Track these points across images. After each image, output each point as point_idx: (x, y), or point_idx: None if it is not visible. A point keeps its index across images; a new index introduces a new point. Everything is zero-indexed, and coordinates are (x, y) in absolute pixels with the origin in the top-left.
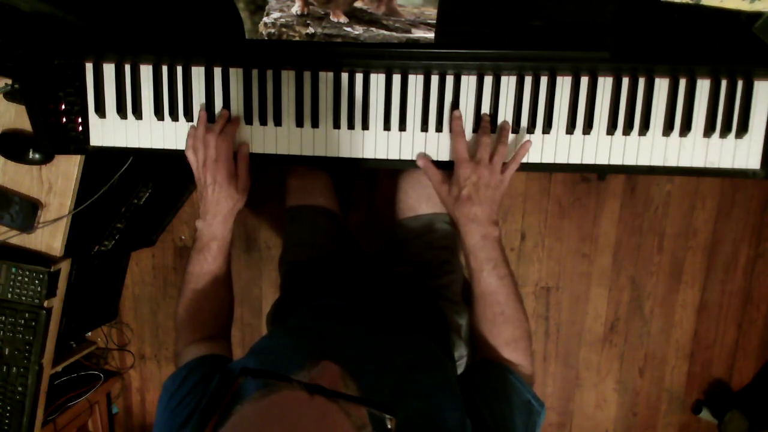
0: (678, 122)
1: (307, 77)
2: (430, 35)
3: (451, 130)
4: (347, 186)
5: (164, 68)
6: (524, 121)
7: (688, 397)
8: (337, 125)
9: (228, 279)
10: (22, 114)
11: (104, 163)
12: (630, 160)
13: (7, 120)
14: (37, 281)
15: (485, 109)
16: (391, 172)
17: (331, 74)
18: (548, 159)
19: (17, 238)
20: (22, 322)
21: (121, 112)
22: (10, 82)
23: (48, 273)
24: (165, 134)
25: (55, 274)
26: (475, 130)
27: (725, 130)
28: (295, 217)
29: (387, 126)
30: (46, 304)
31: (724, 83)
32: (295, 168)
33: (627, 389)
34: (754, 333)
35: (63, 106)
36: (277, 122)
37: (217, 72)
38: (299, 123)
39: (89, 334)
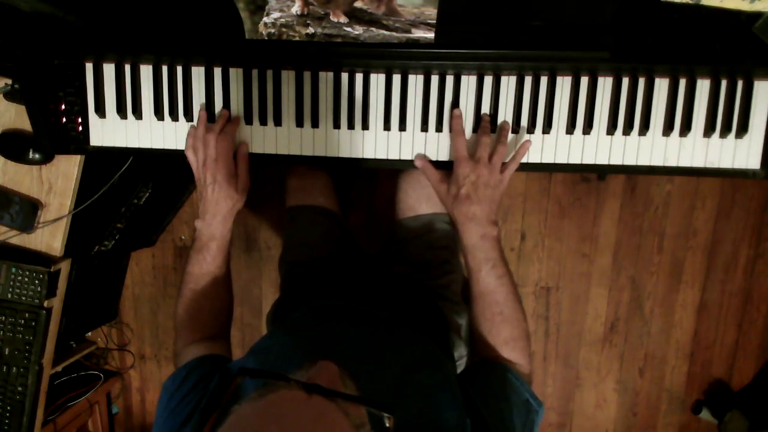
0: (678, 122)
1: (307, 77)
2: (430, 35)
3: (451, 129)
4: (347, 186)
5: (164, 68)
6: (524, 121)
7: (688, 397)
8: (337, 125)
9: (227, 279)
10: (22, 114)
11: (104, 163)
12: (630, 160)
13: (7, 120)
14: (37, 281)
15: (485, 109)
16: (391, 172)
17: (331, 74)
18: (548, 159)
19: (17, 238)
20: (22, 322)
21: (121, 112)
22: (10, 82)
23: (48, 273)
24: (165, 134)
25: (55, 274)
26: (475, 130)
27: (725, 130)
28: (295, 217)
29: (387, 126)
30: (46, 304)
31: (724, 83)
32: (295, 168)
33: (627, 389)
34: (754, 333)
35: (63, 106)
36: (277, 122)
37: (217, 72)
38: (299, 123)
39: (89, 334)
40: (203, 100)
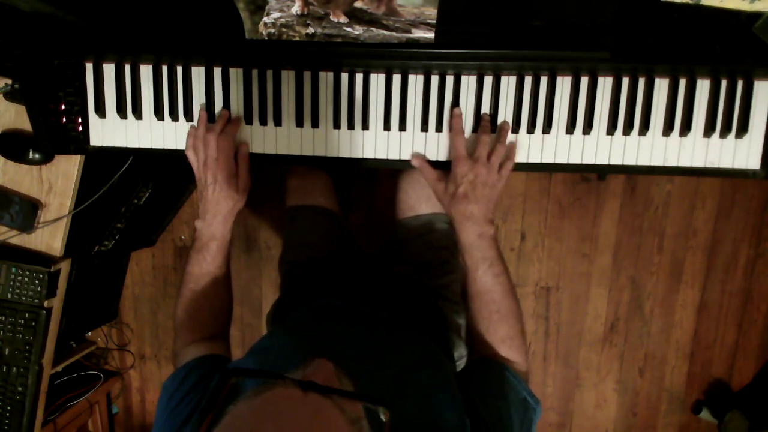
0: (678, 122)
1: (307, 77)
2: (430, 35)
3: (450, 128)
4: (347, 186)
5: (164, 68)
6: (524, 121)
7: (688, 397)
8: (337, 125)
9: (227, 279)
10: (22, 114)
11: (104, 163)
12: (630, 160)
13: (7, 120)
14: (37, 281)
15: (485, 109)
16: (391, 172)
17: (331, 74)
18: (548, 159)
19: (17, 238)
20: (22, 322)
21: (121, 112)
22: (10, 82)
23: (48, 273)
24: (165, 134)
25: (55, 274)
26: (476, 129)
27: (725, 130)
28: (295, 217)
29: (387, 126)
30: (46, 304)
31: (724, 83)
32: (295, 168)
33: (627, 389)
34: (754, 333)
35: (63, 106)
36: (277, 122)
37: (217, 72)
38: (299, 123)
39: (89, 334)
40: (203, 100)
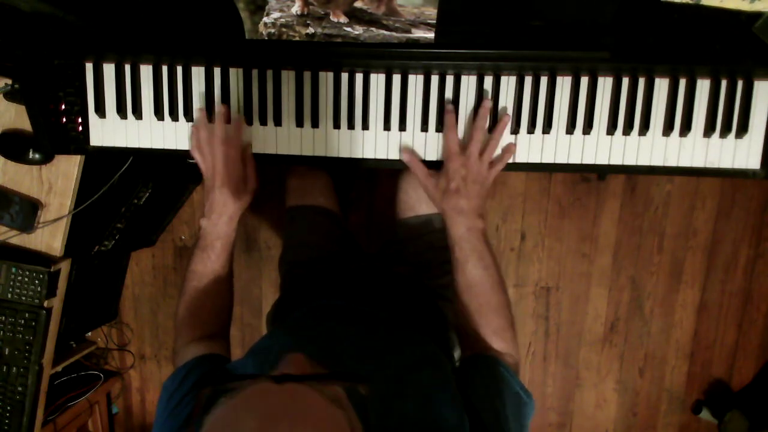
0: (678, 122)
1: (307, 77)
2: (430, 35)
3: (443, 123)
4: (347, 186)
5: (164, 68)
6: (524, 121)
7: (688, 397)
8: (337, 125)
9: (230, 278)
10: (22, 114)
11: (104, 163)
12: (630, 160)
13: (7, 120)
14: (37, 281)
15: None
16: (391, 172)
17: (331, 74)
18: (548, 159)
19: (17, 238)
20: (22, 322)
21: (121, 112)
22: (10, 82)
23: (48, 273)
24: (165, 134)
25: (55, 274)
26: None
27: (725, 130)
28: (295, 217)
29: (387, 126)
30: (46, 304)
31: (724, 83)
32: (295, 168)
33: (627, 389)
34: (754, 333)
35: (63, 106)
36: (277, 122)
37: (217, 72)
38: (299, 123)
39: (89, 334)
40: (204, 100)
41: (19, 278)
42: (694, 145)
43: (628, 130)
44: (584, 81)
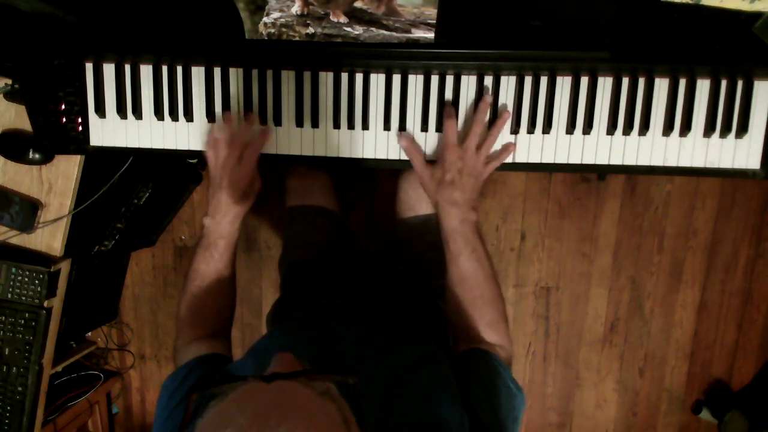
0: (678, 122)
1: (307, 77)
2: (430, 35)
3: (444, 115)
4: (347, 186)
5: (164, 68)
6: (524, 121)
7: (688, 397)
8: (337, 125)
9: (232, 277)
10: (22, 114)
11: (104, 163)
12: (630, 160)
13: (7, 120)
14: (37, 281)
15: None
16: (391, 172)
17: (331, 74)
18: (548, 159)
19: (17, 238)
20: (22, 322)
21: (121, 112)
22: (10, 82)
23: (48, 273)
24: (165, 134)
25: (55, 274)
26: None
27: (725, 130)
28: (295, 217)
29: (387, 126)
30: (46, 304)
31: (724, 83)
32: (295, 168)
33: (627, 389)
34: (754, 333)
35: (63, 106)
36: (277, 122)
37: (217, 72)
38: (299, 123)
39: (89, 334)
40: (204, 100)
41: (19, 278)
42: (694, 145)
43: (628, 130)
44: (584, 81)
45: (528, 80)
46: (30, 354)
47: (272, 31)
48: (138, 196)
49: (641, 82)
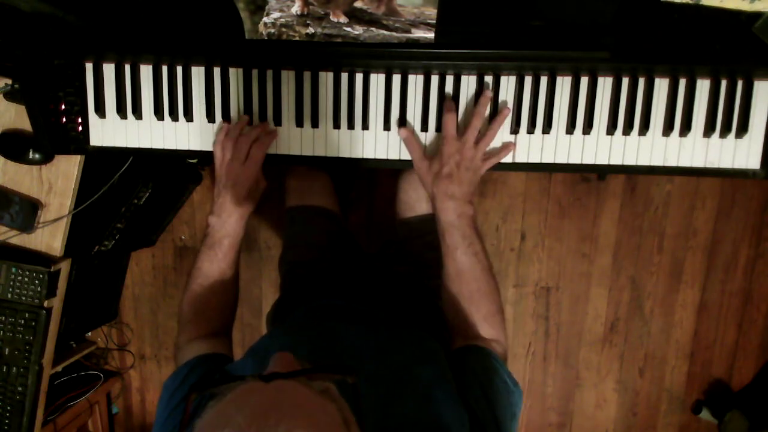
0: (678, 122)
1: (307, 77)
2: (430, 35)
3: (443, 109)
4: (347, 186)
5: (164, 68)
6: (524, 121)
7: (688, 397)
8: (337, 125)
9: (236, 277)
10: (22, 114)
11: (104, 163)
12: (630, 160)
13: (7, 120)
14: (37, 281)
15: None
16: (391, 172)
17: (331, 74)
18: (548, 159)
19: (17, 238)
20: (22, 322)
21: (121, 112)
22: (10, 82)
23: (48, 273)
24: (165, 134)
25: (55, 274)
26: None
27: (725, 130)
28: (295, 217)
29: (387, 126)
30: (46, 304)
31: (724, 83)
32: (295, 168)
33: (627, 389)
34: (754, 333)
35: (63, 106)
36: (277, 122)
37: (217, 72)
38: (299, 123)
39: (89, 334)
40: (203, 100)
41: (19, 278)
42: (694, 145)
43: (628, 130)
44: (584, 81)
45: (528, 80)
46: (30, 354)
47: (272, 31)
48: (138, 196)
49: (641, 82)
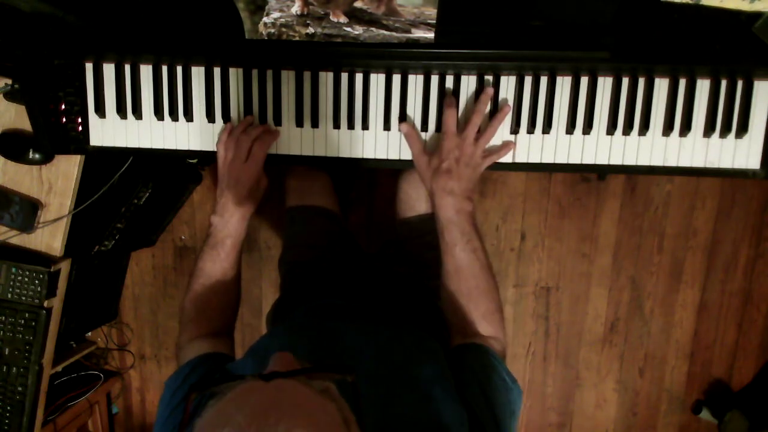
0: (678, 122)
1: (307, 77)
2: (430, 35)
3: (444, 105)
4: (347, 186)
5: (164, 68)
6: (524, 121)
7: (688, 397)
8: (337, 125)
9: (238, 277)
10: (22, 114)
11: (104, 163)
12: (630, 160)
13: (7, 120)
14: (37, 281)
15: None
16: (391, 172)
17: (331, 74)
18: (548, 159)
19: (17, 238)
20: (22, 322)
21: (121, 112)
22: (10, 82)
23: (48, 273)
24: (165, 134)
25: (55, 274)
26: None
27: (725, 130)
28: (295, 217)
29: (387, 126)
30: (46, 304)
31: (724, 83)
32: (295, 168)
33: (627, 389)
34: (754, 333)
35: (63, 106)
36: (277, 122)
37: (217, 72)
38: (299, 123)
39: (89, 334)
40: (203, 100)
41: (19, 278)
42: (693, 145)
43: (627, 130)
44: (584, 81)
45: (528, 80)
46: (30, 354)
47: (272, 31)
48: (138, 196)
49: (641, 82)
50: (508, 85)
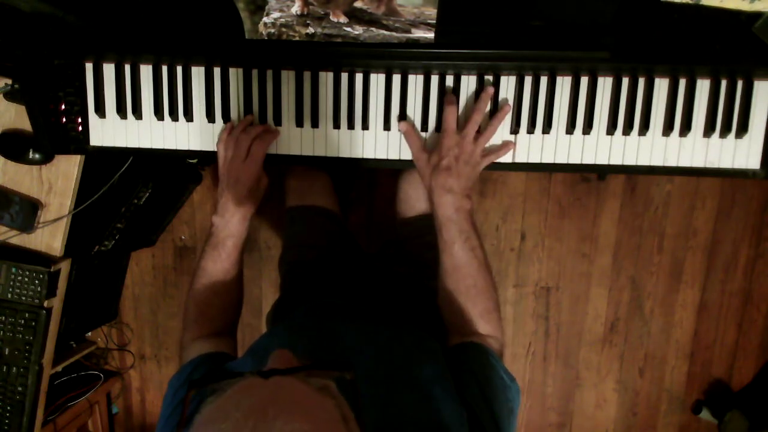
0: (678, 122)
1: (307, 77)
2: (430, 35)
3: (444, 102)
4: (347, 186)
5: (164, 68)
6: (524, 121)
7: (688, 397)
8: (337, 125)
9: (239, 276)
10: (22, 114)
11: (104, 163)
12: (630, 160)
13: (7, 120)
14: (37, 281)
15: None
16: (391, 172)
17: (331, 74)
18: (548, 159)
19: (17, 238)
20: (22, 322)
21: (121, 112)
22: (10, 82)
23: (48, 273)
24: (165, 134)
25: (55, 274)
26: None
27: (725, 130)
28: (295, 217)
29: (387, 126)
30: (46, 304)
31: (724, 83)
32: (295, 168)
33: (627, 389)
34: (754, 333)
35: (63, 106)
36: (277, 122)
37: (217, 72)
38: (299, 123)
39: (89, 334)
40: (203, 100)
41: (19, 278)
42: (693, 145)
43: (627, 130)
44: (584, 81)
45: (528, 80)
46: (30, 354)
47: (272, 31)
48: (138, 196)
49: (641, 82)
50: (508, 85)
